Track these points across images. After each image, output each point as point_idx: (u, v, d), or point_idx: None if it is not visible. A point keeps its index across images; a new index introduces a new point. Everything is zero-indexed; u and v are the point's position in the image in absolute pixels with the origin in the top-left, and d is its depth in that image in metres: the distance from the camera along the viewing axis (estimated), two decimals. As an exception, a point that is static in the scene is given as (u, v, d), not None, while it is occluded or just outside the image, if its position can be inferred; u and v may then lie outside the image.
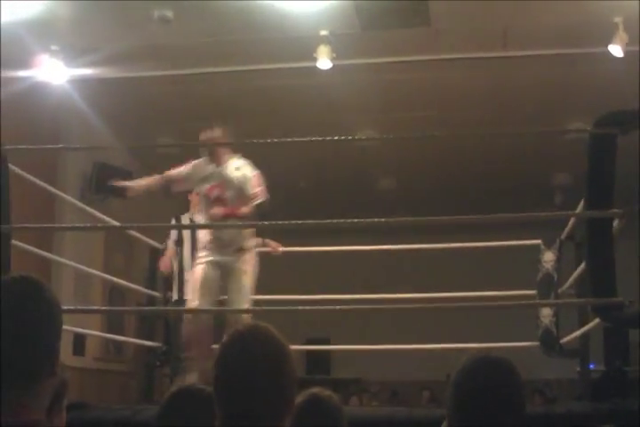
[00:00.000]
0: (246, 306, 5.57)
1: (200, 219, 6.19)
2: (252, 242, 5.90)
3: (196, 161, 5.87)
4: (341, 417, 2.75)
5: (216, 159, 5.81)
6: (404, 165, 11.15)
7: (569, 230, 6.08)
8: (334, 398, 2.82)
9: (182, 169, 5.88)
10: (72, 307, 5.81)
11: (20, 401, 1.81)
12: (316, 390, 2.80)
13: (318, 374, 12.04)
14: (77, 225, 5.68)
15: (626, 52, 7.34)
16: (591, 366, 6.37)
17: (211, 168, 5.79)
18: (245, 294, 5.68)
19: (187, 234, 7.07)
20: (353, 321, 9.97)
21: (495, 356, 2.18)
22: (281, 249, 7.13)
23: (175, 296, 6.93)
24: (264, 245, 7.11)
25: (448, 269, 11.74)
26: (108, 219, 6.48)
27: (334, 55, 7.56)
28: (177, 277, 7.00)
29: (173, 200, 7.90)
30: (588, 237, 4.31)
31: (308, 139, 6.51)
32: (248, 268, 5.75)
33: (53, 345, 1.89)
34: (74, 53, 7.68)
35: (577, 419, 3.95)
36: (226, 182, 5.74)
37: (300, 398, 2.61)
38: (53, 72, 7.70)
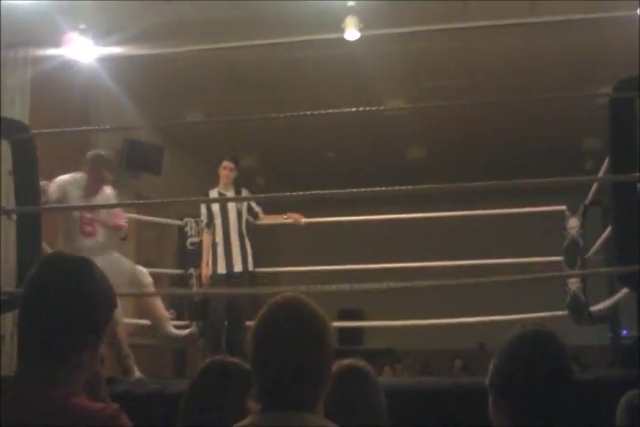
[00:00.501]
0: None
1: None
2: None
3: (64, 180, 5.94)
4: (377, 387, 2.76)
5: (96, 186, 5.98)
6: (433, 135, 11.13)
7: (592, 196, 6.05)
8: (369, 369, 2.83)
9: (54, 191, 5.85)
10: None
11: (48, 375, 1.85)
12: (350, 360, 2.82)
13: (351, 344, 12.09)
14: (106, 204, 5.73)
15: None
16: (624, 333, 6.35)
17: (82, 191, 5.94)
18: None
19: (216, 208, 7.09)
20: (384, 291, 9.97)
21: (539, 328, 2.16)
22: (303, 221, 7.21)
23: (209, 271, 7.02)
24: (287, 217, 7.20)
25: (474, 237, 11.72)
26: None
27: (362, 26, 7.53)
28: (211, 252, 7.05)
29: (202, 176, 7.96)
30: (612, 202, 4.27)
31: (335, 111, 6.51)
32: None
33: (91, 324, 1.91)
34: (102, 32, 7.72)
35: (606, 386, 3.94)
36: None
37: (334, 369, 2.63)
38: (82, 50, 7.74)
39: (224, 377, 2.80)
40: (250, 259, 7.01)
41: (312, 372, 2.00)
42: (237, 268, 6.93)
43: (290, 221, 7.21)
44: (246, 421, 2.03)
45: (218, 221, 7.01)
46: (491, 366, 2.12)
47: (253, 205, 7.16)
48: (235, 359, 2.91)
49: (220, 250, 6.96)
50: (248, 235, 7.08)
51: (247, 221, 7.13)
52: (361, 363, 2.81)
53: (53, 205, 5.72)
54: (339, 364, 2.76)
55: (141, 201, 6.59)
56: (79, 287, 1.91)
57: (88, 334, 1.90)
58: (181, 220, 7.63)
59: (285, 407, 1.98)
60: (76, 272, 1.93)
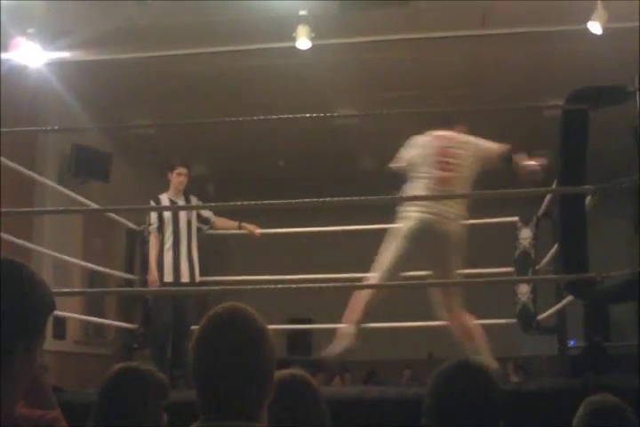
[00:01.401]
0: None
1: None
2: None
3: None
4: (319, 397, 2.73)
5: None
6: (384, 144, 11.11)
7: (545, 207, 6.09)
8: (310, 378, 2.79)
9: None
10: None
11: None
12: (290, 370, 2.78)
13: (300, 354, 11.99)
14: (51, 209, 5.65)
15: (605, 30, 7.32)
16: (572, 343, 6.40)
17: None
18: None
19: (167, 215, 6.99)
20: (335, 301, 9.89)
21: (471, 362, 2.37)
22: (258, 231, 7.17)
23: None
24: (240, 228, 7.13)
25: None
26: (86, 201, 6.47)
27: (313, 35, 7.53)
28: (157, 261, 6.92)
29: (154, 183, 7.90)
30: (559, 214, 4.32)
31: (286, 116, 6.51)
32: None
33: (20, 329, 1.82)
34: (51, 36, 7.64)
35: (549, 395, 3.96)
36: None
37: (275, 379, 2.58)
38: (30, 55, 7.66)
39: (142, 388, 2.70)
40: (197, 270, 6.94)
41: (253, 381, 1.98)
42: (185, 278, 6.85)
43: (244, 231, 7.16)
44: (188, 431, 2.00)
45: (168, 229, 6.90)
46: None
47: (201, 211, 7.08)
48: (148, 367, 2.82)
49: (169, 259, 6.85)
50: (197, 245, 7.01)
51: (200, 230, 7.07)
52: (301, 373, 2.78)
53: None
54: (278, 374, 2.72)
55: (96, 208, 6.46)
56: (4, 291, 1.83)
57: (17, 339, 1.82)
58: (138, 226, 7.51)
59: (228, 417, 1.94)
60: (2, 275, 1.87)
